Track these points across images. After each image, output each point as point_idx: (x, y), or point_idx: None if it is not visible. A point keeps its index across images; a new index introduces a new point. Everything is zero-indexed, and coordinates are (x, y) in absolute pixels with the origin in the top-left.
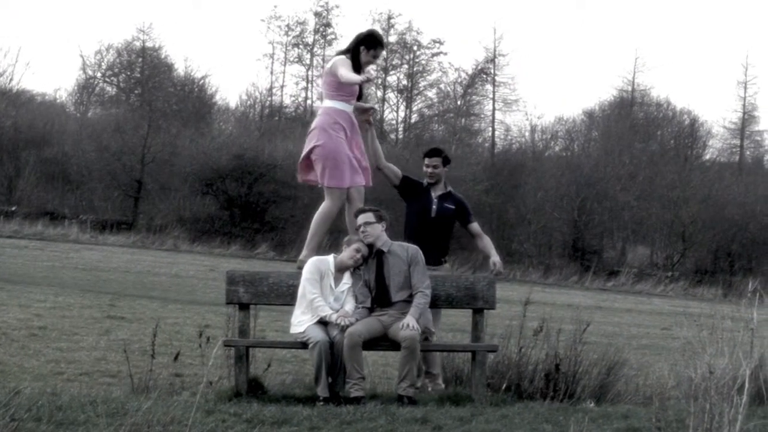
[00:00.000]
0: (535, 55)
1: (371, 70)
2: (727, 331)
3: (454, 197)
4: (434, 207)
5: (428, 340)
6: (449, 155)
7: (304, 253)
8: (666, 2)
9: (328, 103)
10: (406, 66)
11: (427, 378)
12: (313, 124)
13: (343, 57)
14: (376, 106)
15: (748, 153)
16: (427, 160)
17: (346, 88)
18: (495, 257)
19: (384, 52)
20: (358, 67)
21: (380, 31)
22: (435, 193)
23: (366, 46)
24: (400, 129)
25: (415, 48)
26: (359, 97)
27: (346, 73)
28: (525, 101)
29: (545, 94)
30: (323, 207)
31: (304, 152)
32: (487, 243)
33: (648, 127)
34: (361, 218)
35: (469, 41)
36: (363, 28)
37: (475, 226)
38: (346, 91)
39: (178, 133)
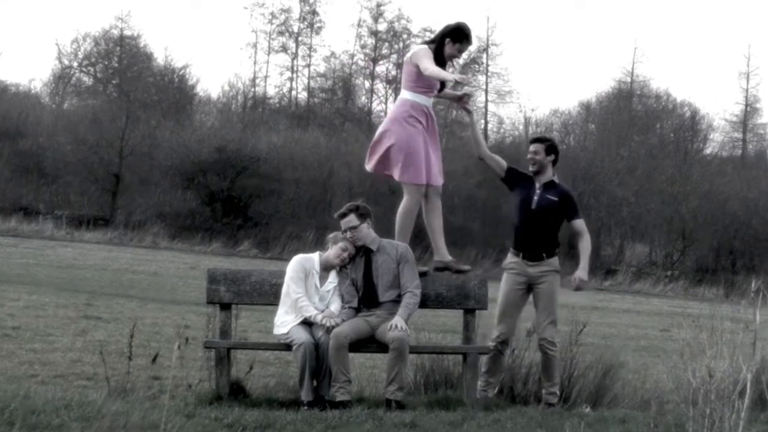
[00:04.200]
0: (529, 45)
1: (460, 75)
2: (727, 332)
3: (559, 189)
4: (536, 198)
5: (548, 353)
6: (555, 143)
7: None
8: None
9: (405, 94)
10: (395, 55)
11: (544, 390)
12: (388, 115)
13: (425, 47)
14: (469, 89)
15: (750, 146)
16: (530, 147)
17: (424, 80)
18: (580, 271)
19: (470, 48)
20: (441, 60)
21: (469, 26)
22: (539, 183)
23: (452, 39)
24: None
25: (404, 37)
26: (441, 87)
27: (431, 65)
28: (519, 93)
29: (540, 86)
30: (403, 204)
31: (373, 140)
32: (583, 248)
33: (647, 120)
34: (344, 223)
35: None
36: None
37: (578, 223)
38: (424, 84)
39: (157, 125)
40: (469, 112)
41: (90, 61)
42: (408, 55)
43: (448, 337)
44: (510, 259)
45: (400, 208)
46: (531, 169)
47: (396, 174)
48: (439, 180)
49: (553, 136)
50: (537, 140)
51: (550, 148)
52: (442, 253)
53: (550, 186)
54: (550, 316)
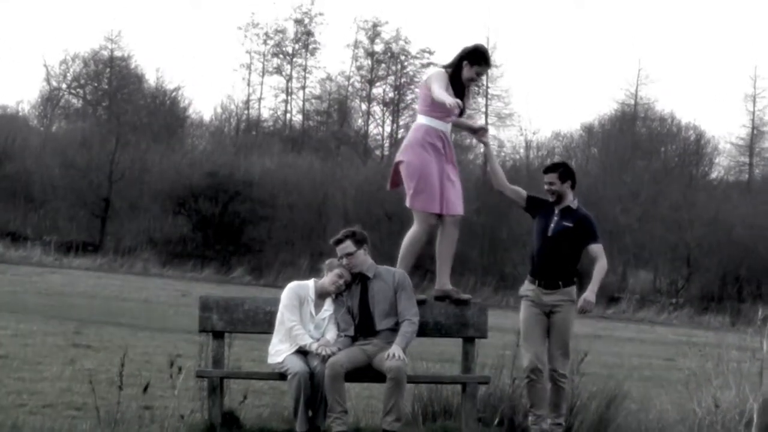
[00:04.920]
0: (530, 67)
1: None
2: (733, 361)
3: (576, 213)
4: (552, 225)
5: (558, 384)
6: (569, 166)
7: None
8: (671, 11)
9: (420, 119)
10: (392, 77)
11: (549, 420)
12: (404, 141)
13: (441, 71)
14: (485, 125)
15: (757, 171)
16: (544, 178)
17: (440, 104)
18: (587, 293)
19: (489, 71)
20: (459, 83)
21: (487, 49)
22: (557, 210)
23: (470, 62)
24: (386, 144)
25: (402, 58)
26: (461, 113)
27: (438, 89)
28: (519, 116)
29: (541, 108)
30: (410, 232)
31: (393, 164)
32: (596, 271)
33: (651, 144)
34: (340, 249)
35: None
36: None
37: (594, 248)
38: (440, 108)
39: (148, 148)
40: (486, 144)
41: (79, 83)
42: (424, 78)
43: (446, 367)
44: (526, 286)
45: (407, 235)
46: (551, 199)
47: (407, 200)
48: (457, 209)
49: (563, 159)
50: (549, 169)
51: (564, 174)
52: (443, 282)
53: (567, 212)
54: (563, 347)
